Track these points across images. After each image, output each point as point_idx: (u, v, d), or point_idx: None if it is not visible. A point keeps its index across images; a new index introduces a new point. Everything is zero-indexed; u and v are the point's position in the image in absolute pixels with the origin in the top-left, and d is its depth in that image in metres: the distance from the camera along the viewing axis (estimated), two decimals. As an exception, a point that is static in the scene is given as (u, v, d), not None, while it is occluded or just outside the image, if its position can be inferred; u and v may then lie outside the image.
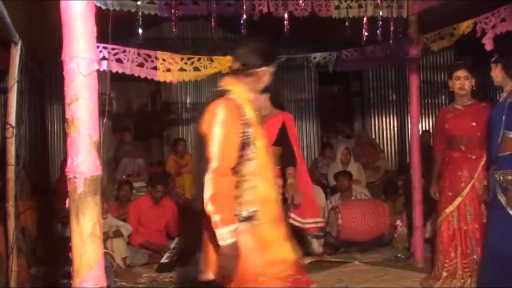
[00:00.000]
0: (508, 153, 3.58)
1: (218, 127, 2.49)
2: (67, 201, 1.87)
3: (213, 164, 2.46)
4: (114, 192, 6.97)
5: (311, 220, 4.37)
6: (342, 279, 5.15)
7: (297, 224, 4.25)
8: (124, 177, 8.20)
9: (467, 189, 4.41)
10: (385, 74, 9.88)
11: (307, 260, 5.76)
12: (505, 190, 3.56)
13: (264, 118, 3.98)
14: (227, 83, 2.71)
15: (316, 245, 6.19)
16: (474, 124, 4.39)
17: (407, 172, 6.23)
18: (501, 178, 3.60)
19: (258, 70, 2.70)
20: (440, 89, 9.39)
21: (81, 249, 1.82)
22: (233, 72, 2.75)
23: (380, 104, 9.98)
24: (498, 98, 9.35)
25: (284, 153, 4.18)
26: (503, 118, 3.63)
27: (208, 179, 2.45)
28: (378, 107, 9.96)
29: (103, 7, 4.82)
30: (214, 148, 2.47)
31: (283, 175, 4.22)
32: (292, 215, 4.26)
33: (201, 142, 2.56)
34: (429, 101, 9.50)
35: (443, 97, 9.39)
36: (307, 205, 4.30)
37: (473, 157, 4.40)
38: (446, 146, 4.63)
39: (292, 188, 4.17)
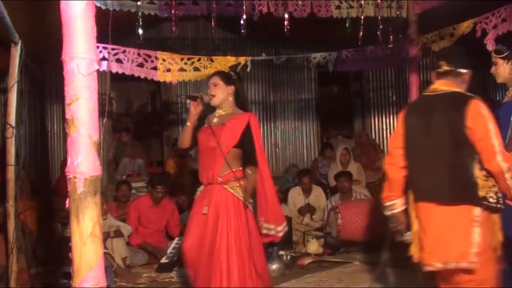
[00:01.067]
0: None
1: (492, 124, 2.93)
2: (67, 201, 1.87)
3: (502, 156, 2.89)
4: (114, 192, 6.96)
5: (272, 227, 3.80)
6: (342, 279, 5.15)
7: (265, 231, 3.77)
8: (124, 177, 8.21)
9: None
10: (385, 74, 9.88)
11: (307, 260, 5.76)
12: None
13: (226, 117, 3.77)
14: (446, 85, 3.11)
15: (316, 245, 6.20)
16: None
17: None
18: None
19: (464, 71, 3.13)
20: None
21: (81, 249, 1.82)
22: (442, 74, 3.14)
23: (380, 104, 9.98)
24: (498, 97, 9.32)
25: (244, 154, 3.78)
26: (509, 117, 3.57)
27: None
28: (378, 107, 9.96)
29: (103, 7, 4.83)
30: (497, 142, 2.91)
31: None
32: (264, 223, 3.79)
33: (457, 136, 2.95)
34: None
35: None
36: (270, 211, 3.79)
37: None
38: None
39: (242, 189, 3.73)
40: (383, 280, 4.85)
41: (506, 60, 3.69)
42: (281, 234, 3.83)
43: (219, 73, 3.94)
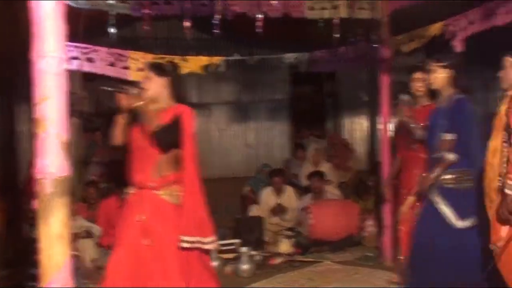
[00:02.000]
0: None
1: None
2: (34, 201, 1.85)
3: None
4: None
5: (196, 239, 3.25)
6: (313, 279, 5.18)
7: (185, 245, 3.22)
8: (94, 177, 8.10)
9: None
10: (357, 75, 9.97)
11: (278, 260, 5.78)
12: (439, 189, 3.76)
13: (159, 112, 3.36)
14: None
15: (287, 245, 6.22)
16: (423, 124, 4.43)
17: (377, 172, 6.30)
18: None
19: None
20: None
21: (49, 251, 1.81)
22: None
23: (352, 105, 10.07)
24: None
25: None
26: (440, 122, 3.82)
27: None
28: (350, 107, 10.05)
29: (74, 6, 4.77)
30: None
31: None
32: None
33: None
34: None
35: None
36: (194, 221, 3.28)
37: (424, 156, 4.41)
38: (405, 147, 4.72)
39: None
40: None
41: (444, 69, 3.84)
42: (208, 247, 3.33)
43: (150, 65, 3.59)
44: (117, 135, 3.46)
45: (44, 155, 1.83)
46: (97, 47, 5.02)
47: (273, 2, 5.23)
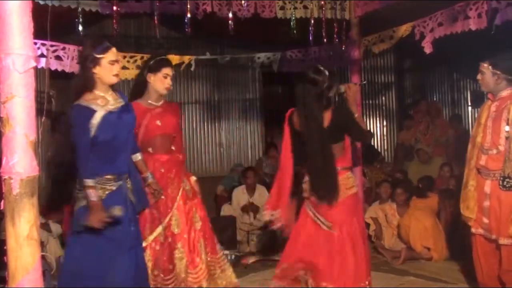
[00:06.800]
0: None
1: None
2: (1, 202, 1.81)
3: None
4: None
5: None
6: (286, 278, 5.19)
7: None
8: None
9: None
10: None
11: (251, 259, 5.78)
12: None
13: None
14: None
15: (259, 244, 6.23)
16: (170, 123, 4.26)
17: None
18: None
19: None
20: (381, 90, 9.64)
21: (17, 253, 1.77)
22: None
23: (323, 104, 10.13)
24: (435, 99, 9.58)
25: None
26: None
27: None
28: (321, 107, 10.10)
29: (41, 2, 4.69)
30: None
31: None
32: None
33: None
34: (370, 102, 9.72)
35: (383, 98, 9.64)
36: None
37: (181, 157, 4.35)
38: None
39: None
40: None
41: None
42: None
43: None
44: None
45: (11, 155, 1.80)
46: (65, 45, 4.95)
47: (243, 2, 5.23)
